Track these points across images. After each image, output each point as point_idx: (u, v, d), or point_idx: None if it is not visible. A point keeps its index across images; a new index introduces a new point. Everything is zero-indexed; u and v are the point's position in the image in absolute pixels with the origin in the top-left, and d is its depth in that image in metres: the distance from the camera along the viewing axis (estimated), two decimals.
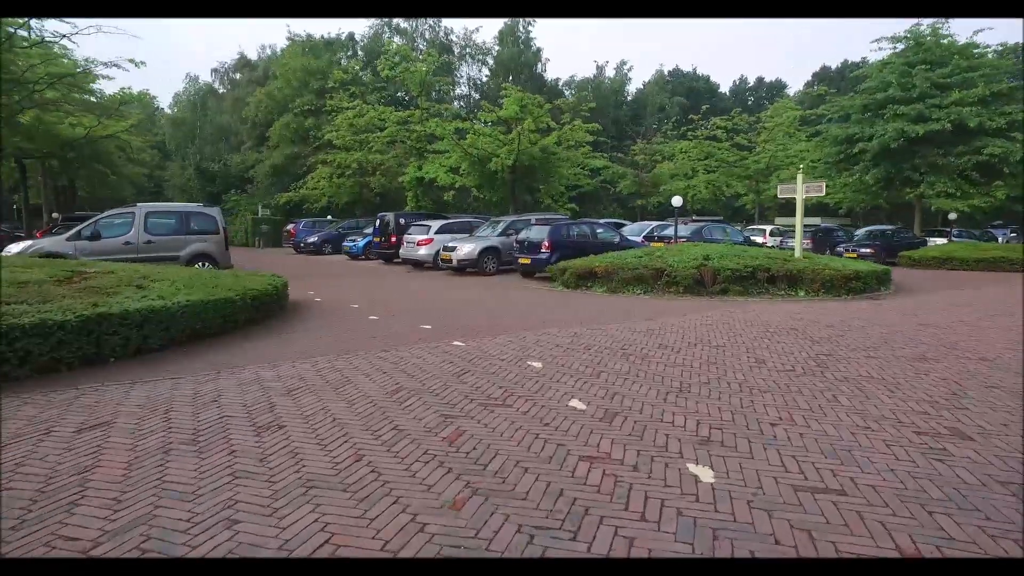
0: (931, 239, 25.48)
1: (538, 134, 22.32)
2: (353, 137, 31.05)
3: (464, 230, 20.24)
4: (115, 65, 18.37)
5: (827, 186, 18.47)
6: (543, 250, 15.32)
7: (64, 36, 18.58)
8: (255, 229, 37.27)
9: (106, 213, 13.82)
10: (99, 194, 36.26)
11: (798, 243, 14.22)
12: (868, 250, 20.57)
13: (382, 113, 30.12)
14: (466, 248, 17.28)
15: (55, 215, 21.16)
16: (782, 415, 4.33)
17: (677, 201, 18.63)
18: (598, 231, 16.73)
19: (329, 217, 34.35)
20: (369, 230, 24.42)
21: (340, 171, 33.25)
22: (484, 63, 59.49)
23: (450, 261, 17.50)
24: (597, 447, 3.70)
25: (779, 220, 39.30)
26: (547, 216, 19.35)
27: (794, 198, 13.99)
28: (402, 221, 21.65)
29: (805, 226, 29.69)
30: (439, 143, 25.92)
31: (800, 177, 13.79)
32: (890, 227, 25.69)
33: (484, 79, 58.13)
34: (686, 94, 60.01)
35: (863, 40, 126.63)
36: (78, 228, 13.19)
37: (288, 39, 45.25)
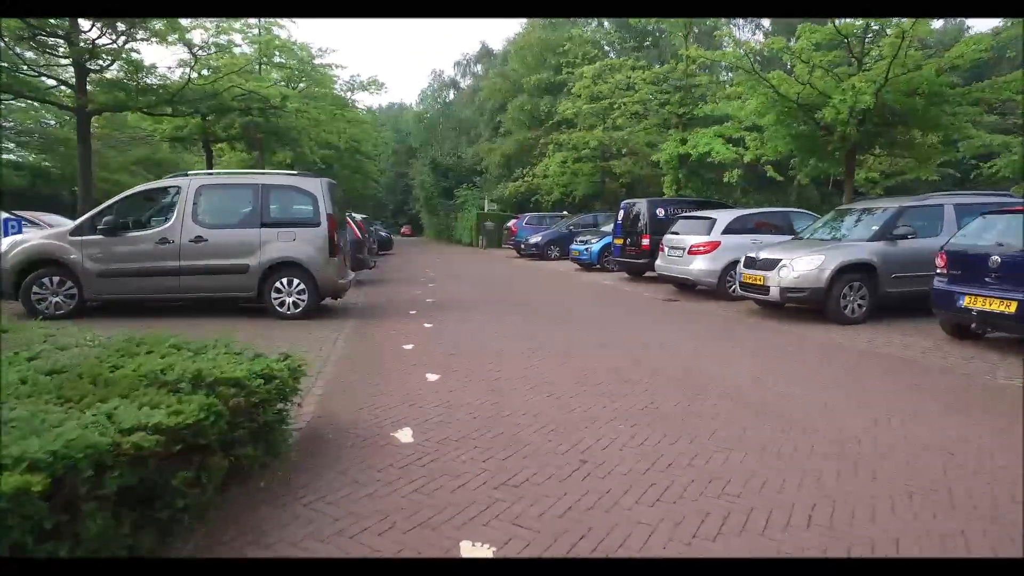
0: None
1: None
2: (592, 106, 23.57)
3: (779, 227, 11.17)
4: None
5: None
6: None
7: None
8: (480, 226, 32.23)
9: (136, 188, 8.04)
10: (349, 192, 33.97)
11: None
12: None
13: (630, 75, 22.23)
14: (803, 264, 8.19)
15: None
16: None
17: None
18: None
19: (564, 213, 27.44)
20: (610, 227, 16.49)
21: (576, 154, 26.10)
22: (759, 26, 47.78)
23: (761, 288, 8.61)
24: None
25: None
26: (977, 197, 9.07)
27: None
28: (660, 212, 13.22)
29: None
30: (722, 101, 17.02)
31: None
32: None
33: (758, 45, 46.52)
34: None
35: None
36: (90, 215, 7.53)
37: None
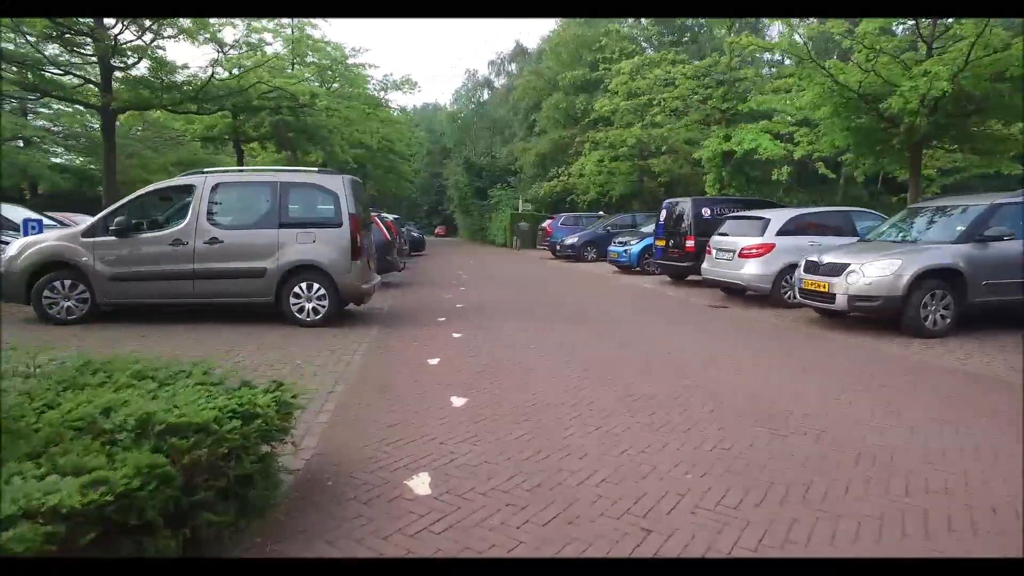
0: None
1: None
2: (630, 102, 22.70)
3: (840, 228, 10.24)
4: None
5: None
6: None
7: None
8: (514, 227, 31.62)
9: (150, 187, 7.58)
10: (383, 192, 33.54)
11: None
12: None
13: (670, 70, 21.34)
14: (876, 270, 7.29)
15: None
16: None
17: None
18: None
19: (601, 213, 26.66)
20: (650, 228, 15.71)
21: (613, 152, 25.24)
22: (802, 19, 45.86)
23: (825, 296, 7.73)
24: None
25: None
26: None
27: None
28: (706, 212, 12.38)
29: None
30: (769, 95, 16.08)
31: None
32: None
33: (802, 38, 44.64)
34: None
35: None
36: (103, 214, 7.14)
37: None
